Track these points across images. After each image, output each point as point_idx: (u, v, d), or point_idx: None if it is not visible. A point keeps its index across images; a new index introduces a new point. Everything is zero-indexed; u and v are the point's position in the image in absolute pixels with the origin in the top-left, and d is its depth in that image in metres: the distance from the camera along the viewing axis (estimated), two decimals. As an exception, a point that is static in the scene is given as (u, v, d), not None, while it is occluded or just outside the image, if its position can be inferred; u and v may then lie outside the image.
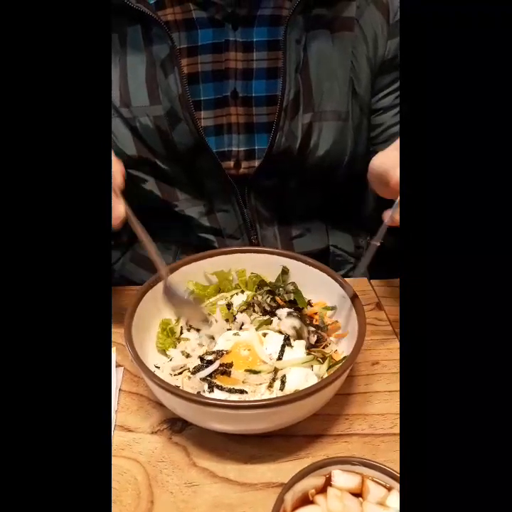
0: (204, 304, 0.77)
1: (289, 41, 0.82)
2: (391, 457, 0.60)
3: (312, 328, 0.71)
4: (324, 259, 0.97)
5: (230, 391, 0.62)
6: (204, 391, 0.63)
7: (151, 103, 0.84)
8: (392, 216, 0.65)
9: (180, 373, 0.68)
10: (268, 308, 0.74)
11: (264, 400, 0.60)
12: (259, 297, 0.76)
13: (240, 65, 0.85)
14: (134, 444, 0.63)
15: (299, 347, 0.68)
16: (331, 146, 0.88)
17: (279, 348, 0.67)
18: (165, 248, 0.96)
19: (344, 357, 0.67)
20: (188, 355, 0.70)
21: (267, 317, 0.73)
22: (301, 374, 0.64)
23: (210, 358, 0.66)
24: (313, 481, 0.52)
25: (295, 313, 0.73)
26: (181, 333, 0.74)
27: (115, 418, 0.66)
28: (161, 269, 0.71)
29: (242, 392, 0.62)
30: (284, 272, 0.79)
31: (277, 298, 0.76)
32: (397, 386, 0.70)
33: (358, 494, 0.51)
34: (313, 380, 0.63)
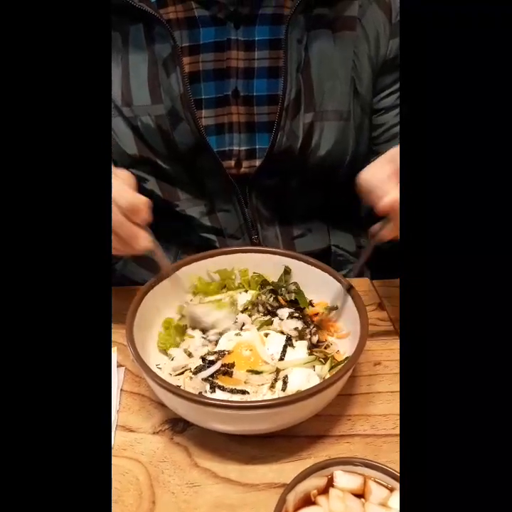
0: (208, 299, 0.77)
1: (290, 40, 0.82)
2: (393, 458, 0.60)
3: (313, 329, 0.71)
4: (326, 259, 0.96)
5: (232, 391, 0.62)
6: (206, 391, 0.62)
7: (153, 102, 0.84)
8: (379, 233, 0.65)
9: (181, 373, 0.68)
10: (270, 308, 0.74)
11: (266, 400, 0.60)
12: (263, 297, 0.76)
13: (241, 64, 0.85)
14: (136, 445, 0.63)
15: (300, 347, 0.68)
16: (333, 146, 0.88)
17: (281, 349, 0.67)
18: (166, 248, 0.96)
19: (346, 357, 0.67)
20: (190, 354, 0.69)
21: (268, 317, 0.73)
22: (303, 374, 0.64)
23: (211, 358, 0.66)
24: (315, 481, 0.52)
25: (297, 314, 0.72)
26: (186, 329, 0.74)
27: (117, 418, 0.66)
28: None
29: (244, 392, 0.62)
30: (286, 271, 0.79)
31: (279, 298, 0.76)
32: (399, 387, 0.70)
33: (360, 495, 0.51)
34: (315, 381, 0.63)
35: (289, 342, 0.68)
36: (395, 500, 0.50)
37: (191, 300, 0.77)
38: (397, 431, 0.64)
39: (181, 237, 0.96)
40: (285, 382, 0.63)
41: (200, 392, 0.62)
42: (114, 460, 0.61)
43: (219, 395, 0.62)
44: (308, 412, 0.62)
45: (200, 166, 0.87)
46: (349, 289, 0.71)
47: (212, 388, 0.62)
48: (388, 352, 0.76)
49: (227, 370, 0.64)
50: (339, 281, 0.74)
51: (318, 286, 0.77)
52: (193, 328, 0.75)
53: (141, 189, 0.89)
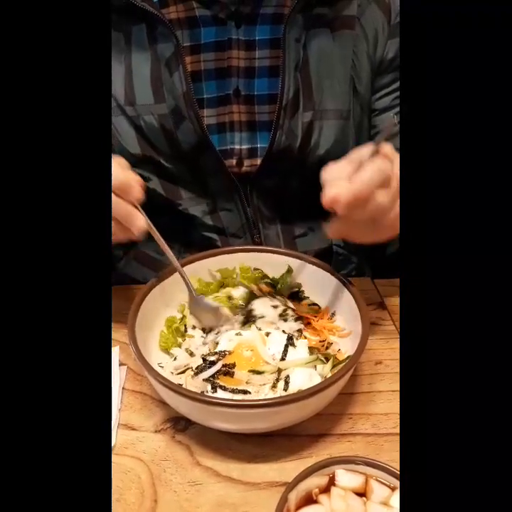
0: (213, 296, 0.77)
1: (288, 40, 0.82)
2: (395, 457, 0.60)
3: (292, 313, 0.73)
4: (327, 258, 0.96)
5: (234, 391, 0.62)
6: (207, 391, 0.63)
7: (156, 101, 0.84)
8: (327, 230, 0.66)
9: (183, 372, 0.68)
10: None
11: (268, 399, 0.60)
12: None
13: (242, 63, 0.85)
14: (138, 443, 0.63)
15: (302, 347, 0.68)
16: (332, 145, 0.88)
17: (283, 348, 0.67)
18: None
19: (348, 356, 0.67)
20: (191, 353, 0.70)
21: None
22: (305, 374, 0.64)
23: (212, 358, 0.66)
24: (317, 480, 0.52)
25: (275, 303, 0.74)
26: (186, 330, 0.74)
27: (118, 417, 0.66)
28: (187, 278, 0.74)
29: (245, 392, 0.62)
30: (289, 271, 0.79)
31: (262, 286, 0.77)
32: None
33: (361, 494, 0.51)
34: (317, 380, 0.63)
35: (290, 341, 0.68)
36: (396, 499, 0.50)
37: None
38: (399, 430, 0.64)
39: (183, 236, 0.96)
40: (287, 382, 0.63)
41: (201, 392, 0.63)
42: (115, 459, 0.61)
43: (220, 394, 0.62)
44: (309, 411, 0.62)
45: (203, 164, 0.88)
46: (356, 296, 0.71)
47: (214, 388, 0.62)
48: (389, 351, 0.76)
49: (228, 371, 0.64)
50: (340, 280, 0.74)
51: (320, 285, 0.77)
52: (193, 327, 0.75)
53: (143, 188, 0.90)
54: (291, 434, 0.63)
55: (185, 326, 0.75)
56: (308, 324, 0.75)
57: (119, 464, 0.60)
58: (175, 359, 0.70)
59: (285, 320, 0.73)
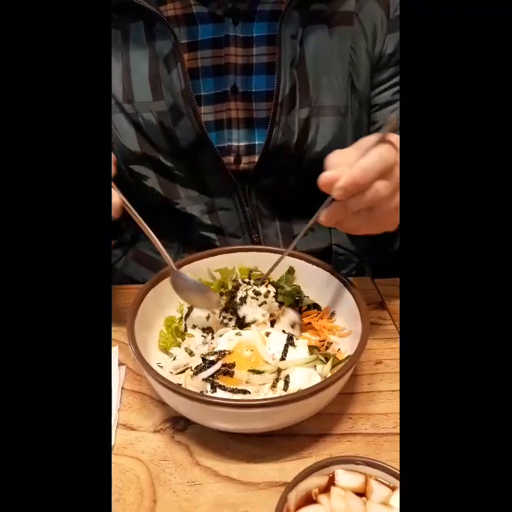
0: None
1: (283, 36, 0.82)
2: (395, 457, 0.60)
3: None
4: (327, 257, 0.96)
5: (233, 391, 0.61)
6: (207, 391, 0.62)
7: (154, 98, 0.84)
8: (320, 214, 0.63)
9: (182, 372, 0.68)
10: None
11: (267, 399, 0.59)
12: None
13: (239, 60, 0.85)
14: (137, 443, 0.63)
15: (302, 347, 0.68)
16: (330, 142, 0.87)
17: (282, 348, 0.67)
18: (167, 246, 0.96)
19: (347, 356, 0.66)
20: (191, 353, 0.69)
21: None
22: (305, 374, 0.63)
23: (212, 358, 0.66)
24: (317, 480, 0.51)
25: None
26: (186, 329, 0.74)
27: (118, 417, 0.66)
28: (167, 257, 0.72)
29: (245, 392, 0.61)
30: (290, 271, 0.79)
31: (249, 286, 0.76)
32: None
33: (361, 494, 0.51)
34: (316, 380, 0.63)
35: (290, 341, 0.68)
36: (396, 499, 0.50)
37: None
38: (399, 429, 0.64)
39: (181, 236, 0.96)
40: (287, 382, 0.62)
41: (201, 392, 0.62)
42: (115, 459, 0.61)
43: (220, 394, 0.61)
44: (309, 410, 0.62)
45: (201, 162, 0.87)
46: (356, 296, 0.71)
47: (214, 388, 0.62)
48: (389, 351, 0.76)
49: (227, 370, 0.63)
50: (340, 280, 0.74)
51: (319, 284, 0.77)
52: (193, 327, 0.75)
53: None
54: (291, 434, 0.63)
55: (185, 325, 0.75)
56: (308, 324, 0.75)
57: (118, 464, 0.60)
58: (174, 359, 0.69)
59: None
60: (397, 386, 0.70)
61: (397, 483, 0.51)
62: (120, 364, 0.73)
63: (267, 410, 0.57)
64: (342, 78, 0.86)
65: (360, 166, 0.57)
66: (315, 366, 0.66)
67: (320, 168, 0.89)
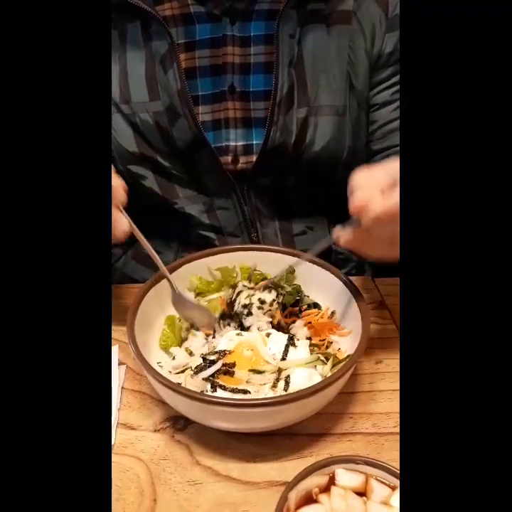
0: (208, 298, 0.77)
1: (281, 36, 0.81)
2: (395, 456, 0.60)
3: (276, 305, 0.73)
4: (327, 257, 0.96)
5: (233, 391, 0.61)
6: (207, 391, 0.62)
7: (151, 99, 0.84)
8: (338, 235, 0.62)
9: (182, 371, 0.68)
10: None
11: (268, 398, 0.59)
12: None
13: (237, 60, 0.85)
14: (137, 442, 0.63)
15: (302, 347, 0.68)
16: (328, 142, 0.87)
17: (283, 348, 0.67)
18: (166, 246, 0.96)
19: (348, 356, 0.66)
20: (191, 353, 0.69)
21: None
22: (306, 374, 0.63)
23: (212, 357, 0.66)
24: (317, 479, 0.51)
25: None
26: (189, 328, 0.74)
27: (117, 416, 0.66)
28: (167, 274, 0.72)
29: (245, 392, 0.61)
30: (291, 271, 0.79)
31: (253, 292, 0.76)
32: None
33: (361, 493, 0.51)
34: (317, 380, 0.63)
35: (290, 341, 0.67)
36: (396, 499, 0.50)
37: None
38: (399, 429, 0.64)
39: (180, 236, 0.96)
40: (287, 382, 0.62)
41: (201, 391, 0.62)
42: (115, 458, 0.61)
43: (220, 394, 0.61)
44: (309, 410, 0.61)
45: (199, 162, 0.87)
46: (357, 295, 0.70)
47: (214, 387, 0.62)
48: (389, 350, 0.76)
49: (228, 370, 0.63)
50: (340, 278, 0.74)
51: (319, 284, 0.77)
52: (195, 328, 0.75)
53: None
54: (291, 434, 0.63)
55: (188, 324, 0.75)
56: (308, 324, 0.75)
57: (118, 464, 0.60)
58: (174, 358, 0.69)
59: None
60: (397, 385, 0.70)
61: (397, 482, 0.51)
62: (120, 363, 0.73)
63: (267, 409, 0.57)
64: (340, 78, 0.86)
65: (396, 199, 0.54)
66: (315, 366, 0.66)
67: (318, 167, 0.89)
